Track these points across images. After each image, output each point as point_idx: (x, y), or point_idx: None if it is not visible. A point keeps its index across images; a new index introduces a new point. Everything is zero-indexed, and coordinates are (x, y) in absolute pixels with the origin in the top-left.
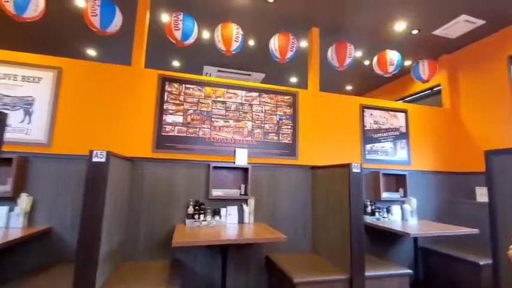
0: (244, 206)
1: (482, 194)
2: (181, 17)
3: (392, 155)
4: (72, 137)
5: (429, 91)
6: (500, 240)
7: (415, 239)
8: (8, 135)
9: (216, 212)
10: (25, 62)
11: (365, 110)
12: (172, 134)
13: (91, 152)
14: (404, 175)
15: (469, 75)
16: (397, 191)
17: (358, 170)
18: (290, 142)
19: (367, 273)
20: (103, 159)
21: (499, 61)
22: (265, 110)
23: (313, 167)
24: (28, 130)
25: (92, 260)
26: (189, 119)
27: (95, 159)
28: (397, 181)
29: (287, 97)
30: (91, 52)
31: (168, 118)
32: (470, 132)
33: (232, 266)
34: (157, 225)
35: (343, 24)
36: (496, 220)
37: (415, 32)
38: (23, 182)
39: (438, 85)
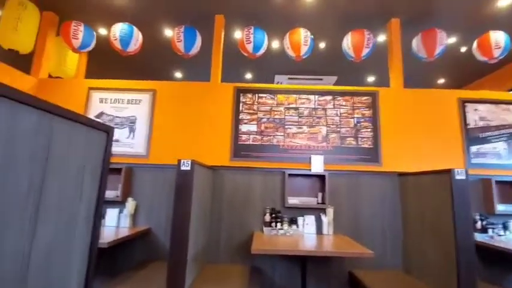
0: (322, 216)
1: None
2: (252, 30)
3: (507, 158)
4: (164, 149)
5: None
6: None
7: None
8: (119, 149)
9: (292, 221)
10: (130, 87)
11: (466, 104)
12: (248, 142)
13: (179, 161)
14: None
15: None
16: None
17: (463, 177)
18: (371, 146)
19: None
20: (188, 168)
21: None
22: (340, 114)
23: (401, 174)
24: (132, 144)
25: (182, 260)
26: (262, 127)
27: (182, 168)
28: None
29: (365, 98)
30: (178, 74)
31: (243, 127)
32: None
33: (312, 278)
34: (236, 231)
35: (429, 10)
36: None
37: None
38: (129, 188)
39: None
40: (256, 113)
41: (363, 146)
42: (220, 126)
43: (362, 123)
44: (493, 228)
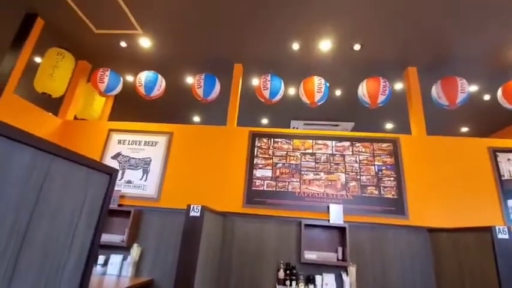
0: (344, 275)
1: None
2: (269, 77)
3: None
4: (176, 192)
5: None
6: None
7: None
8: (130, 191)
9: (309, 280)
10: (147, 129)
11: (498, 154)
12: (262, 188)
13: (188, 206)
14: None
15: None
16: None
17: (507, 236)
18: (395, 197)
19: None
20: (198, 214)
21: None
22: (360, 160)
23: (431, 230)
24: (144, 186)
25: None
26: (277, 173)
27: (192, 214)
28: None
29: (385, 144)
30: (196, 118)
31: (258, 172)
32: None
33: None
34: (246, 285)
35: (446, 58)
36: None
37: None
38: (136, 233)
39: None
40: (272, 158)
41: (386, 196)
42: (234, 170)
43: (384, 172)
44: None
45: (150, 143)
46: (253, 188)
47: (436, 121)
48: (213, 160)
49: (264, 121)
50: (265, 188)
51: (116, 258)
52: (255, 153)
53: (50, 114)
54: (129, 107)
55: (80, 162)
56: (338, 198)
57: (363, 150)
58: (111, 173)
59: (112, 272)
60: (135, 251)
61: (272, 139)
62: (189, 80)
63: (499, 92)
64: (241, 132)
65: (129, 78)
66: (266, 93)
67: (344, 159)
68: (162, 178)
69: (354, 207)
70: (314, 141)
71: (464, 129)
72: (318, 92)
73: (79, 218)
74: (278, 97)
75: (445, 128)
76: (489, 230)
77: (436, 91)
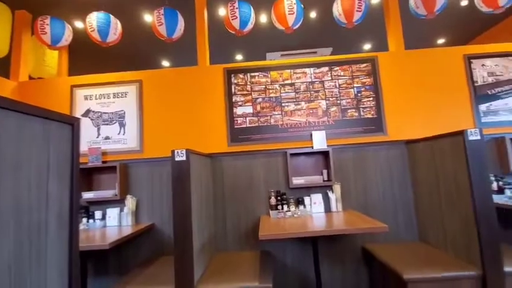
0: (330, 193)
1: None
2: (236, 4)
3: None
4: (158, 141)
5: None
6: None
7: None
8: (111, 147)
9: (299, 202)
10: (113, 80)
11: (472, 61)
12: (245, 125)
13: (173, 152)
14: None
15: None
16: None
17: (478, 137)
18: (374, 116)
19: (507, 269)
20: (184, 158)
21: None
22: (339, 85)
23: (408, 142)
24: (124, 140)
25: (188, 252)
26: (258, 108)
27: (177, 159)
28: None
29: (364, 65)
30: (165, 63)
31: (238, 110)
32: None
33: (325, 257)
34: (242, 218)
35: None
36: None
37: None
38: (127, 186)
39: None
40: (250, 94)
41: (365, 116)
42: (214, 111)
43: (363, 93)
44: (510, 188)
45: (120, 95)
46: (236, 127)
47: (413, 35)
48: (190, 103)
49: (239, 57)
50: (248, 125)
51: (113, 211)
52: (233, 91)
53: (1, 78)
54: (90, 59)
55: (33, 113)
56: (320, 125)
57: (342, 73)
58: (73, 123)
59: (112, 223)
60: (130, 201)
61: (248, 74)
62: (148, 18)
63: None
64: (215, 70)
65: (79, 24)
66: (236, 24)
67: (323, 86)
68: (141, 129)
69: (335, 132)
70: (292, 70)
71: (441, 41)
72: (289, 14)
73: (48, 176)
74: (249, 26)
75: (422, 41)
76: (462, 133)
77: (414, 0)
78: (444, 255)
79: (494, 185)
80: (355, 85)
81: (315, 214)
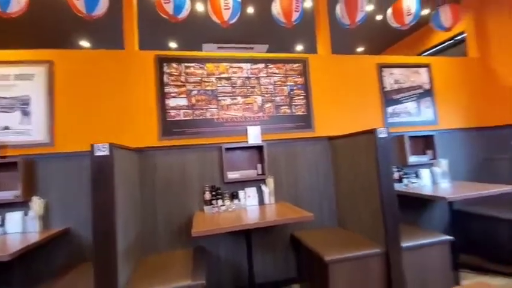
0: (263, 187)
1: None
2: None
3: (416, 116)
4: (74, 133)
5: (452, 41)
6: None
7: (450, 203)
8: (12, 138)
9: (234, 196)
10: (14, 59)
11: (383, 69)
12: (178, 118)
13: (92, 146)
14: (432, 136)
15: (498, 17)
16: (425, 153)
17: (385, 135)
18: (305, 113)
19: (403, 244)
20: (106, 152)
21: None
22: (274, 82)
23: (331, 138)
24: (29, 131)
25: (110, 257)
26: (193, 101)
27: (97, 153)
28: (425, 143)
29: (296, 65)
30: (85, 43)
31: (171, 102)
32: (502, 81)
33: (258, 248)
34: (175, 215)
35: None
36: None
37: None
38: (33, 185)
39: (462, 33)
40: (185, 85)
41: (297, 113)
42: (143, 101)
43: (295, 91)
44: (407, 178)
45: (24, 77)
46: (169, 119)
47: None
48: (115, 92)
49: (173, 45)
50: (182, 118)
51: (14, 216)
52: (165, 81)
53: None
54: None
55: None
56: (255, 120)
57: (277, 71)
58: None
59: (13, 230)
60: (36, 204)
61: (183, 64)
62: None
63: (389, 11)
64: (145, 56)
65: None
66: (168, 8)
67: (259, 82)
68: (52, 119)
69: (270, 127)
70: (229, 64)
71: (361, 49)
72: (225, 9)
73: None
74: (185, 13)
75: (346, 48)
76: (373, 132)
77: (340, 9)
78: (358, 238)
79: (396, 175)
80: (288, 83)
81: (249, 207)
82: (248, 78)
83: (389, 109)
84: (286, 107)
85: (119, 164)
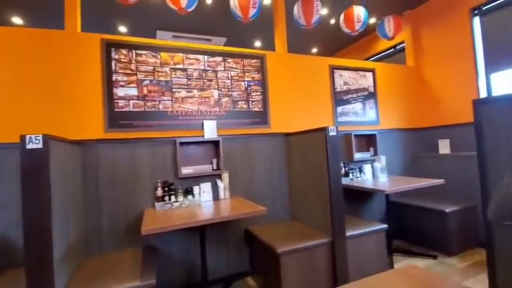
0: (218, 182)
1: (444, 147)
2: None
3: (362, 116)
4: (1, 122)
5: (393, 49)
6: (489, 185)
7: (387, 195)
8: None
9: (188, 191)
10: None
11: (334, 71)
12: (127, 109)
13: (23, 137)
14: (374, 135)
15: (431, 31)
16: (368, 150)
17: (335, 133)
18: (261, 110)
19: (347, 234)
20: (40, 145)
21: (461, 14)
22: (231, 76)
23: (286, 134)
24: None
25: (45, 261)
26: (145, 91)
27: (29, 146)
28: (368, 141)
29: (254, 61)
30: (17, 20)
31: (120, 91)
32: (432, 88)
33: (212, 244)
34: (122, 213)
35: None
36: (486, 166)
37: None
38: None
39: (402, 42)
40: (136, 74)
41: (254, 109)
42: (86, 90)
43: (252, 87)
44: (352, 172)
45: None
46: (117, 110)
47: (295, 41)
48: (52, 76)
49: (122, 29)
50: (131, 109)
51: None
52: (114, 68)
53: None
54: None
55: None
56: (212, 115)
57: (234, 66)
58: None
59: None
60: None
61: (134, 51)
62: None
63: (341, 16)
64: (89, 40)
65: None
66: None
67: (216, 76)
68: None
69: (226, 122)
70: (185, 55)
71: (315, 50)
72: None
73: None
74: None
75: (302, 48)
76: (324, 129)
77: (297, 10)
78: (308, 229)
79: (343, 170)
80: (246, 79)
81: (204, 203)
82: (205, 70)
83: (339, 109)
84: (243, 102)
85: (55, 158)
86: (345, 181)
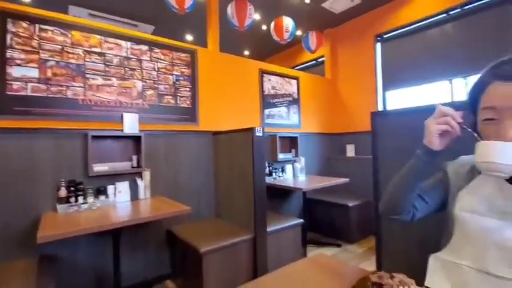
0: (138, 180)
1: (350, 150)
2: None
3: (287, 119)
4: None
5: (315, 61)
6: (380, 184)
7: (304, 192)
8: None
9: (100, 191)
10: None
11: (264, 75)
12: (24, 93)
13: None
14: (296, 137)
15: (345, 49)
16: (290, 151)
17: (261, 134)
18: (190, 106)
19: (268, 229)
20: None
21: (368, 38)
22: (158, 68)
23: (215, 133)
24: None
25: None
26: (49, 73)
27: None
28: (291, 143)
29: (184, 55)
30: None
31: (15, 71)
32: (344, 99)
33: (128, 248)
34: (13, 217)
35: None
36: (378, 167)
37: (307, 1)
38: None
39: (322, 56)
40: (38, 52)
41: (181, 105)
42: None
43: (181, 82)
44: (276, 172)
45: None
46: (9, 93)
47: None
48: None
49: None
50: (29, 93)
51: None
52: (9, 43)
53: None
54: None
55: None
56: (133, 107)
57: (162, 57)
58: None
59: None
60: None
61: (38, 25)
62: None
63: (272, 24)
64: None
65: None
66: None
67: (141, 65)
68: None
69: (150, 116)
70: (103, 38)
71: (247, 52)
72: None
73: None
74: None
75: (234, 49)
76: (251, 130)
77: (230, 10)
78: (232, 227)
79: (267, 170)
80: (174, 73)
81: (120, 203)
82: (127, 58)
83: (267, 111)
84: (171, 97)
85: None
86: (268, 180)
